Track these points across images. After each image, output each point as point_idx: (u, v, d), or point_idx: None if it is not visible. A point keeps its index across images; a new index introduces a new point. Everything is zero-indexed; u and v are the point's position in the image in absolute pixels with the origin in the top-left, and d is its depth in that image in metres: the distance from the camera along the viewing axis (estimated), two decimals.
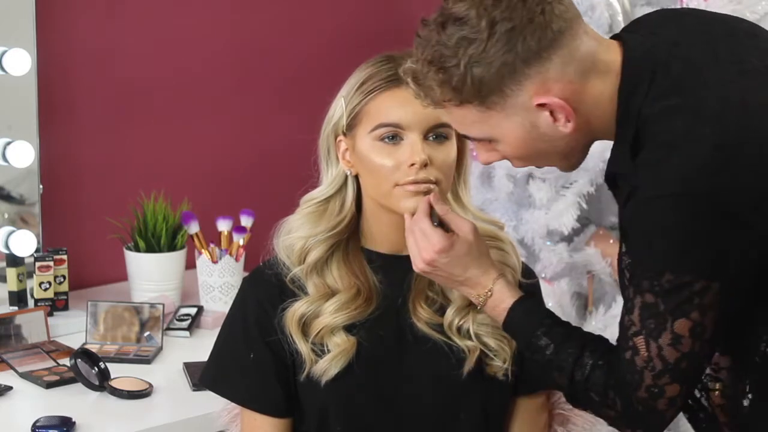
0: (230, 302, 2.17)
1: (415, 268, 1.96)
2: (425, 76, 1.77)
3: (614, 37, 1.83)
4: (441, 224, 1.96)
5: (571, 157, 1.85)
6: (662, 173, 1.70)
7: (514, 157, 1.84)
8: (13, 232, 2.91)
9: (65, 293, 2.93)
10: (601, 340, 1.86)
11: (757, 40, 1.83)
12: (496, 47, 1.72)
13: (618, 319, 1.83)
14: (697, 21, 1.85)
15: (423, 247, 1.93)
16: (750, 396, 1.81)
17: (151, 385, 2.54)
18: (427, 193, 1.97)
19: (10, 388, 2.54)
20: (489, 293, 1.92)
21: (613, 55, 1.78)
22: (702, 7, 2.75)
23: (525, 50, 1.72)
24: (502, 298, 1.92)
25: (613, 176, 1.82)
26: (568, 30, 1.74)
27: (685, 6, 2.83)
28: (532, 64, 1.72)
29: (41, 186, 2.99)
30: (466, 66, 1.72)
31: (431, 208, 1.96)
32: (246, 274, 2.55)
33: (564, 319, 1.92)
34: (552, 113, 1.75)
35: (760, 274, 1.73)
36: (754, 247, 1.71)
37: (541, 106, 1.74)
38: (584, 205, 2.98)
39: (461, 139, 2.03)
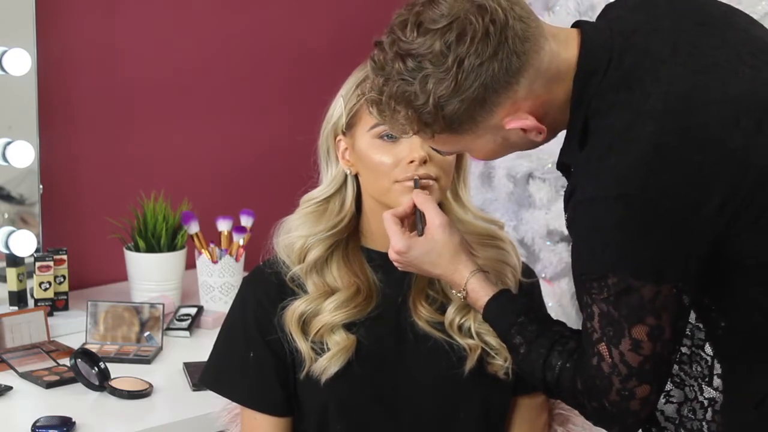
0: (230, 302, 2.17)
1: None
2: (392, 111, 1.73)
3: (577, 24, 1.78)
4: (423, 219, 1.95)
5: (538, 146, 1.83)
6: (599, 174, 1.66)
7: (483, 159, 1.84)
8: (13, 232, 2.91)
9: (65, 293, 2.93)
10: (571, 336, 1.81)
11: (732, 30, 1.76)
12: (465, 84, 1.67)
13: None
14: (670, 7, 1.78)
15: (390, 244, 1.95)
16: (708, 408, 1.79)
17: (151, 385, 2.54)
18: (426, 189, 1.97)
19: (10, 388, 2.54)
20: (465, 292, 1.92)
21: (572, 50, 1.73)
22: None
23: (494, 82, 1.67)
24: (477, 296, 1.90)
25: (566, 166, 1.79)
26: (531, 48, 1.69)
27: None
28: (502, 92, 1.69)
29: (41, 186, 2.99)
30: (435, 105, 1.68)
31: (415, 208, 1.96)
32: (246, 274, 2.55)
33: (564, 318, 1.90)
34: (523, 129, 1.73)
35: (708, 267, 1.69)
36: (701, 247, 1.66)
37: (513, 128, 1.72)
38: None
39: None
